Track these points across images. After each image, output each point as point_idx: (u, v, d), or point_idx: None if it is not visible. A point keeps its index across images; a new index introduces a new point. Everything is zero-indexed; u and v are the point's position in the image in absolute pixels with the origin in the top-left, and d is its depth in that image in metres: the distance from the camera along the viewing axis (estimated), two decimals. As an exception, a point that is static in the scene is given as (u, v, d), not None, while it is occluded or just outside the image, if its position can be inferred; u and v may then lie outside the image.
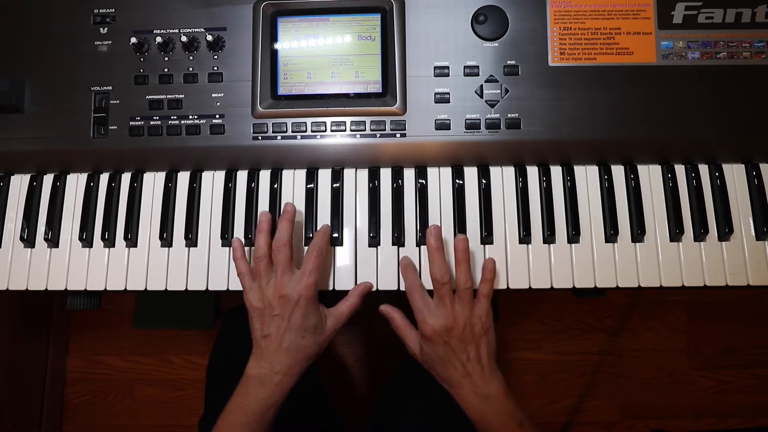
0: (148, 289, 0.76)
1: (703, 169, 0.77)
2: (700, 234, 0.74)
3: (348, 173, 0.78)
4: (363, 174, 0.78)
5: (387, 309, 0.73)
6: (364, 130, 0.74)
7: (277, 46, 0.75)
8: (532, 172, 0.77)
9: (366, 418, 0.96)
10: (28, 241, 0.77)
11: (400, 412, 0.91)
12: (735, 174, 0.77)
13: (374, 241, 0.75)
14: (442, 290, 0.67)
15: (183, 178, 0.79)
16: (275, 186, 0.77)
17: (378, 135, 0.74)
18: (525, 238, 0.75)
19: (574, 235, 0.74)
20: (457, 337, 0.66)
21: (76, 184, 0.79)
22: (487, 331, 0.68)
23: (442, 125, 0.73)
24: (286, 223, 0.70)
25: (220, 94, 0.75)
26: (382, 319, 0.74)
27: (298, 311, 0.67)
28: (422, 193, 0.77)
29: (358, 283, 0.75)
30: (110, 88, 0.75)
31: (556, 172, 0.77)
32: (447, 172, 0.78)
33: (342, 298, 0.73)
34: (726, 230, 0.74)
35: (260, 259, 0.68)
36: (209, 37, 0.73)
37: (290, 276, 0.68)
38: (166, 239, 0.76)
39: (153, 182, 0.79)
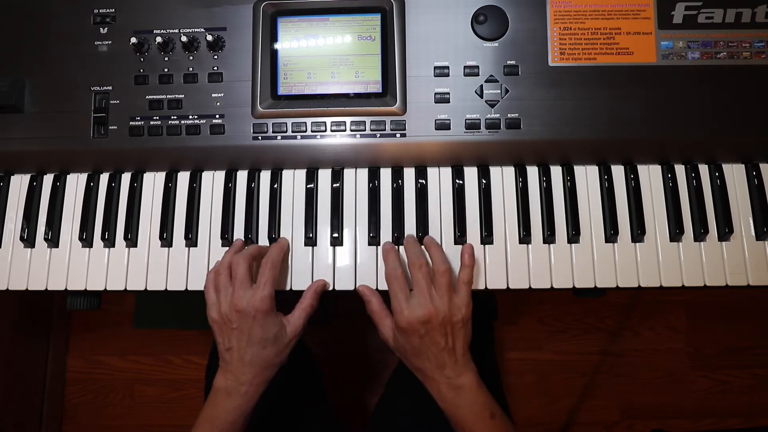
0: (148, 289, 0.76)
1: (703, 169, 0.77)
2: (700, 234, 0.74)
3: (348, 173, 0.78)
4: (363, 174, 0.78)
5: (365, 290, 0.71)
6: (364, 130, 0.74)
7: (277, 46, 0.75)
8: (532, 172, 0.77)
9: (366, 419, 0.96)
10: (28, 241, 0.77)
11: (396, 411, 0.91)
12: (735, 174, 0.77)
13: (374, 240, 0.75)
14: (418, 274, 0.67)
15: (183, 178, 0.79)
16: (275, 186, 0.77)
17: (378, 135, 0.74)
18: (525, 238, 0.75)
19: (574, 235, 0.74)
20: (434, 328, 0.65)
21: (76, 184, 0.79)
22: (466, 323, 0.67)
23: (442, 125, 0.73)
24: (253, 247, 0.71)
25: (220, 94, 0.75)
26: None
27: (257, 325, 0.66)
28: (422, 193, 0.77)
29: (357, 282, 0.74)
30: (110, 88, 0.75)
31: (556, 172, 0.77)
32: (447, 172, 0.78)
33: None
34: (726, 230, 0.74)
35: (219, 273, 0.69)
36: (209, 37, 0.73)
37: (245, 290, 0.67)
38: (166, 239, 0.76)
39: (153, 182, 0.79)
